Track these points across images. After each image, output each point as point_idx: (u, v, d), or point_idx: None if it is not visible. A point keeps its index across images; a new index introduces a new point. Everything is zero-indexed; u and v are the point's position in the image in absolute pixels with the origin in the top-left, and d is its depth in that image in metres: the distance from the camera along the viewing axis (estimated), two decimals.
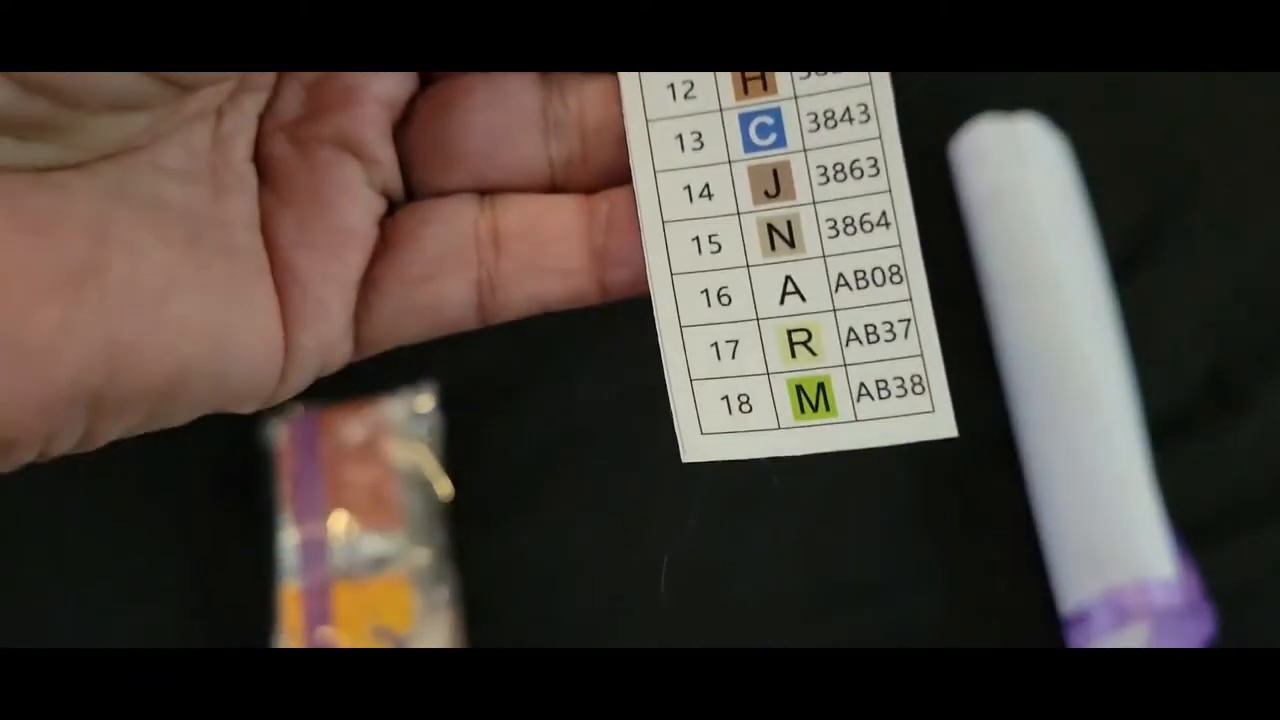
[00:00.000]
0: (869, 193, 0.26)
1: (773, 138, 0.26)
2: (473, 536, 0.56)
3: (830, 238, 0.25)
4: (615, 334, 0.59)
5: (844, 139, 0.26)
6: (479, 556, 0.56)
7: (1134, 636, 0.50)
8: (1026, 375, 0.56)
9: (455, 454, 0.57)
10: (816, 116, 0.26)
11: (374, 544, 0.55)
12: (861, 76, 0.26)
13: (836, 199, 0.26)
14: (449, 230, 0.26)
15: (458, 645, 0.53)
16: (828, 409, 0.25)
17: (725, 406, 0.25)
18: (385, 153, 0.26)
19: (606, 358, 0.58)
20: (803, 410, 0.25)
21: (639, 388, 0.59)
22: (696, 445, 0.25)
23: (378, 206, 0.26)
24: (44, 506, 0.58)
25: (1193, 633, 0.51)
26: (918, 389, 0.25)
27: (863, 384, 0.25)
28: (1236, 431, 0.56)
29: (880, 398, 0.25)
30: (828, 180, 0.26)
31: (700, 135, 0.26)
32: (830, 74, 0.26)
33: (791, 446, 0.25)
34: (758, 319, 0.25)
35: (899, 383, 0.25)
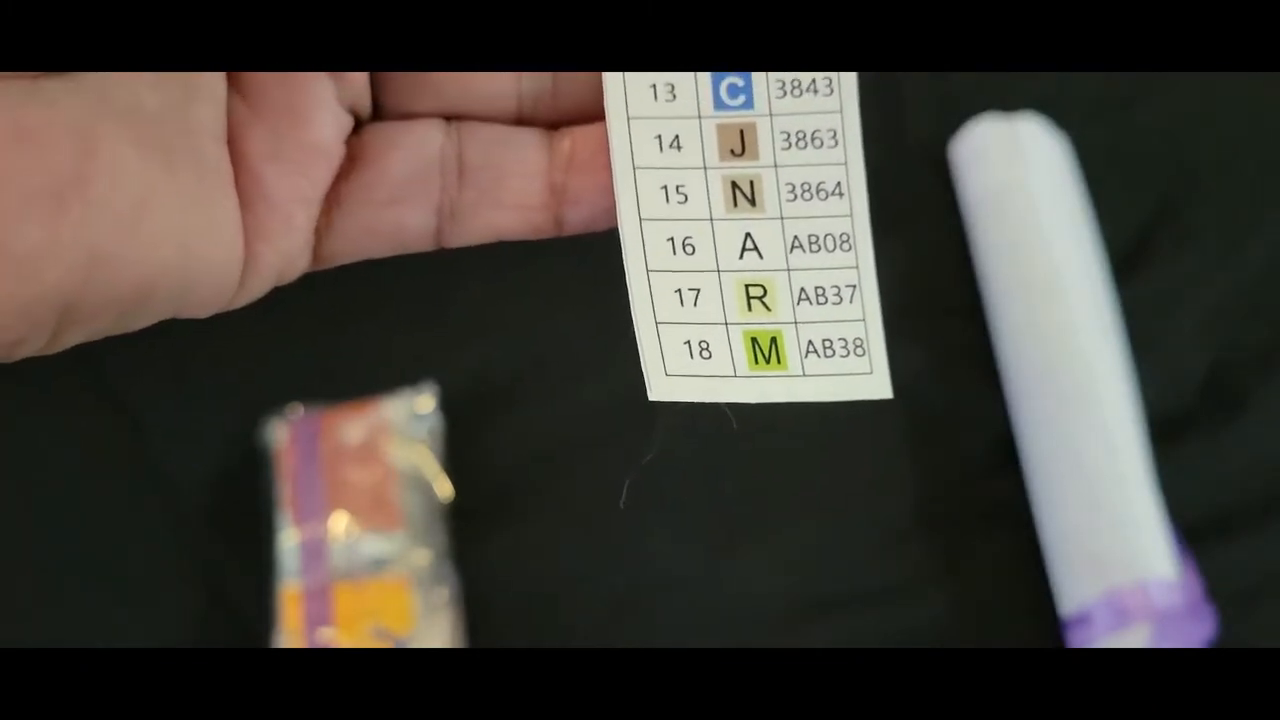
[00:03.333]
0: (827, 163, 0.27)
1: (741, 99, 0.27)
2: (473, 537, 0.56)
3: (788, 200, 0.27)
4: (617, 337, 0.59)
5: (808, 109, 0.27)
6: (479, 557, 0.56)
7: (1134, 637, 0.50)
8: (1027, 376, 0.56)
9: (455, 455, 0.57)
10: (784, 85, 0.27)
11: (374, 545, 0.55)
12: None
13: (797, 165, 0.27)
14: (415, 155, 0.27)
15: (458, 646, 0.54)
16: (779, 362, 0.26)
17: (687, 351, 0.26)
18: (358, 71, 0.26)
19: (607, 360, 0.58)
20: (756, 361, 0.26)
21: (639, 390, 0.59)
22: (662, 385, 0.26)
23: (346, 124, 0.26)
24: (45, 507, 0.58)
25: (1193, 633, 0.51)
26: (859, 351, 0.26)
27: (810, 341, 0.26)
28: (1236, 432, 0.56)
29: (826, 356, 0.26)
30: (790, 146, 0.27)
31: (674, 88, 0.27)
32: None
33: (746, 394, 0.26)
34: (719, 270, 0.27)
35: (843, 343, 0.26)
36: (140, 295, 0.23)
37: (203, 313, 0.25)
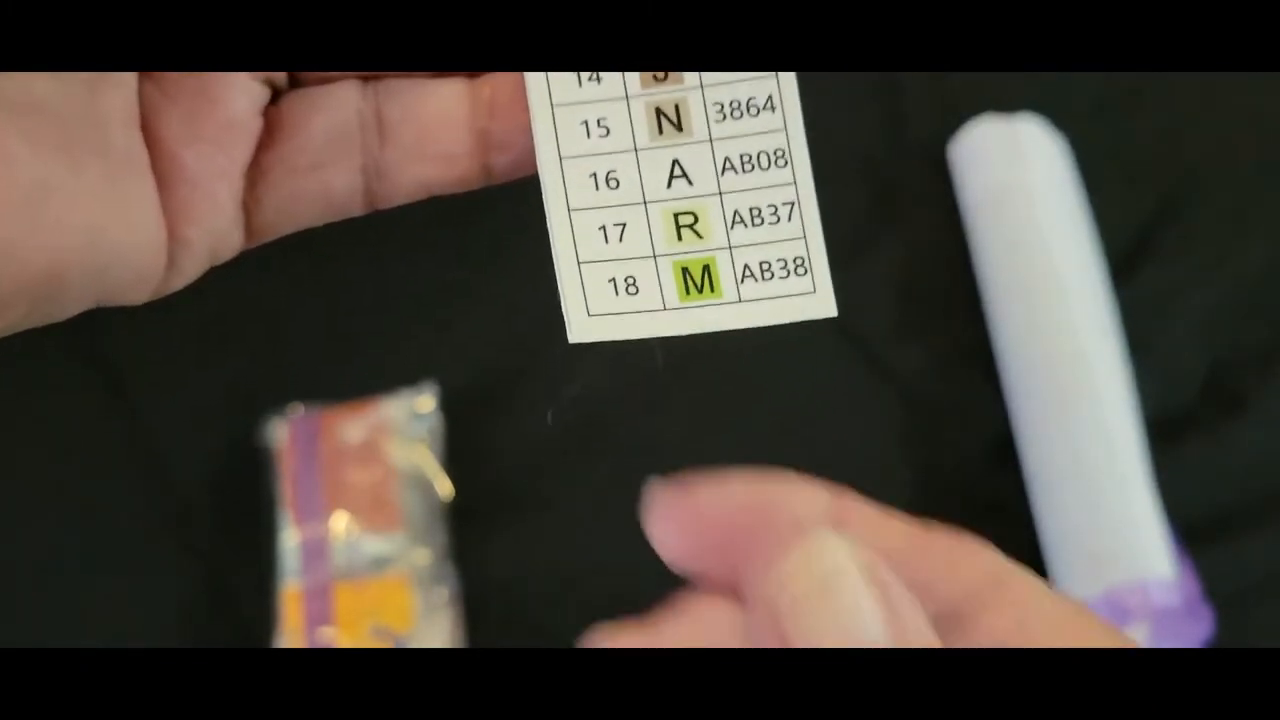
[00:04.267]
0: (756, 76, 0.26)
1: None
2: (473, 536, 0.56)
3: (717, 121, 0.26)
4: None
5: None
6: (479, 556, 0.56)
7: (1133, 636, 0.51)
8: (1026, 375, 0.56)
9: (455, 454, 0.57)
10: None
11: (374, 544, 0.55)
12: None
13: (725, 83, 0.26)
14: (333, 118, 0.26)
15: (458, 645, 0.54)
16: (712, 290, 0.25)
17: (612, 288, 0.26)
18: None
19: (607, 358, 0.58)
20: (688, 291, 0.25)
21: (639, 388, 0.59)
22: (584, 326, 0.26)
23: (262, 96, 0.26)
24: (44, 507, 0.58)
25: (1191, 633, 0.51)
26: (800, 270, 0.25)
27: (746, 265, 0.25)
28: (1236, 432, 0.56)
29: (764, 279, 0.25)
30: None
31: None
32: None
33: (677, 326, 0.26)
34: (645, 202, 0.26)
35: (782, 264, 0.25)
36: (51, 283, 0.23)
37: (133, 298, 0.25)
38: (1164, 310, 0.58)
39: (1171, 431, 0.56)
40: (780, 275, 0.25)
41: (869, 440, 0.58)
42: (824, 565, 0.21)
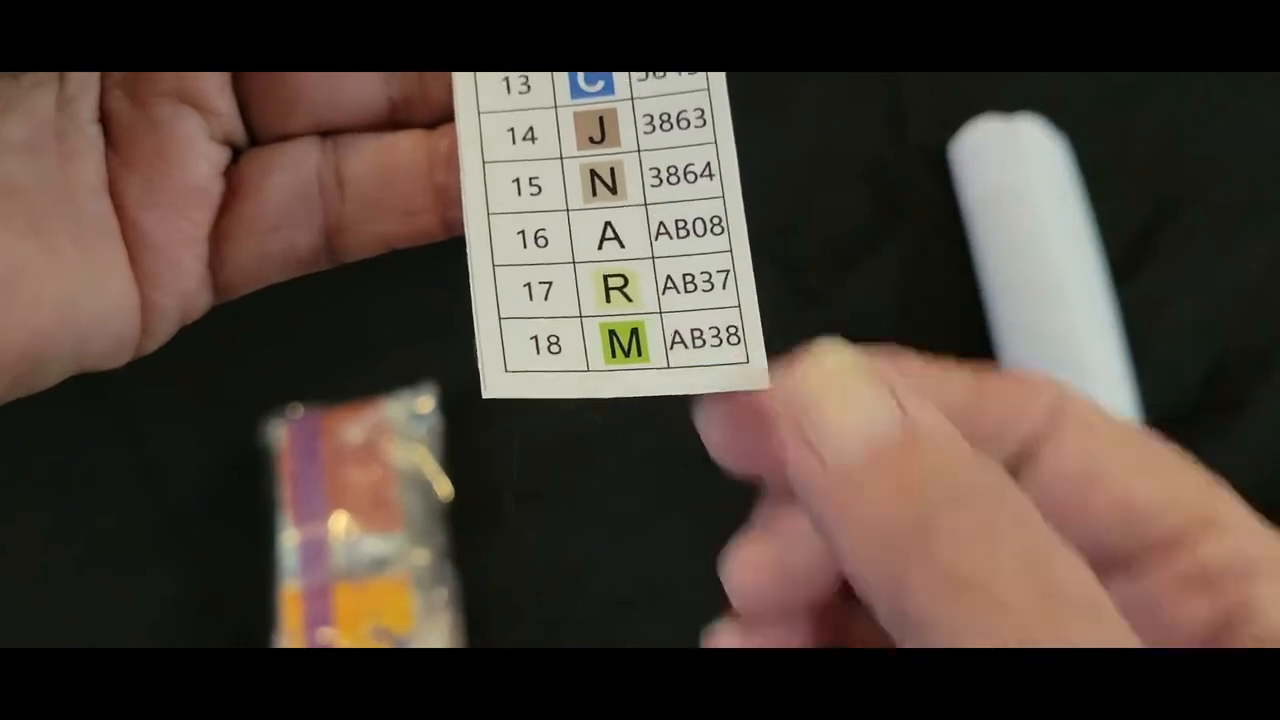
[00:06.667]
0: (695, 143, 0.26)
1: (600, 84, 0.26)
2: (473, 537, 0.56)
3: (653, 186, 0.25)
4: None
5: (672, 89, 0.26)
6: (479, 557, 0.56)
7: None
8: None
9: (455, 455, 0.57)
10: None
11: (374, 545, 0.55)
12: None
13: (661, 148, 0.26)
14: (293, 178, 0.26)
15: (457, 645, 0.54)
16: (640, 354, 0.25)
17: (534, 346, 0.25)
18: (225, 103, 0.26)
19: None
20: (614, 355, 0.25)
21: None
22: (498, 382, 0.25)
23: (221, 158, 0.26)
24: (44, 508, 0.58)
25: None
26: (733, 339, 0.25)
27: (677, 332, 0.25)
28: (1236, 432, 0.56)
29: (694, 346, 0.25)
30: (654, 129, 0.26)
31: (527, 80, 0.26)
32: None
33: (598, 389, 0.25)
34: (574, 262, 0.25)
35: (714, 332, 0.25)
36: (29, 360, 0.23)
37: (111, 363, 0.25)
38: (1164, 310, 0.58)
39: (1171, 431, 0.55)
40: (712, 343, 0.25)
41: None
42: (830, 363, 0.22)
